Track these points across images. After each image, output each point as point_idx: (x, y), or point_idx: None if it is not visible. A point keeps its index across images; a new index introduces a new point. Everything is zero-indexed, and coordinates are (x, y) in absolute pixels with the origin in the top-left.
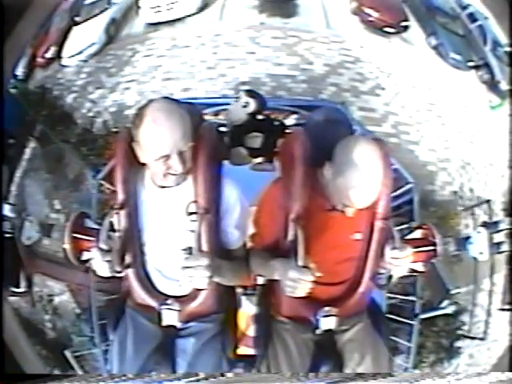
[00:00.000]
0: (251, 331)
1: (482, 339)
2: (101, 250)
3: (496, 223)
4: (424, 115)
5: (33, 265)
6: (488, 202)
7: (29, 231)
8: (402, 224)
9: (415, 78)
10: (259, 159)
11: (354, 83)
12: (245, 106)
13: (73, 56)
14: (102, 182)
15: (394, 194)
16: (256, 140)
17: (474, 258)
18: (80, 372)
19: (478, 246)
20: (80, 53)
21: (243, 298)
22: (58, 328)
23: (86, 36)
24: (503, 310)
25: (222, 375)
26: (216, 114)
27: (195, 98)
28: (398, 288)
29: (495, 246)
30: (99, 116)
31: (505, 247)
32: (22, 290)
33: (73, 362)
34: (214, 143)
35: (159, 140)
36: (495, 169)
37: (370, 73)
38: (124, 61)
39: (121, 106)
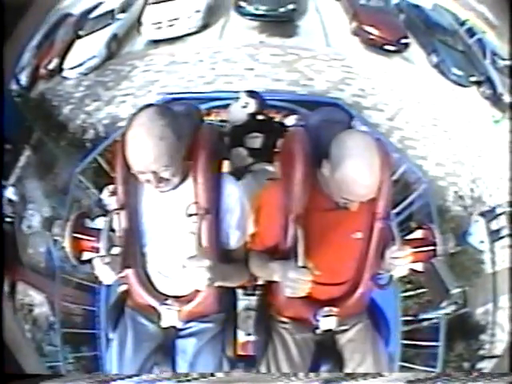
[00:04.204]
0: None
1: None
2: (102, 257)
3: (493, 210)
4: (430, 130)
5: (17, 272)
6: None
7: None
8: (421, 227)
9: (418, 95)
10: (259, 159)
11: (356, 99)
12: (245, 107)
13: (73, 68)
14: (81, 178)
15: (408, 199)
16: (256, 140)
17: (476, 249)
18: None
19: (478, 235)
20: (80, 65)
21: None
22: (37, 339)
23: (88, 49)
24: None
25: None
26: (208, 113)
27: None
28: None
29: (495, 233)
30: (91, 127)
31: (504, 232)
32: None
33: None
34: (214, 143)
35: (134, 157)
36: (504, 182)
37: (372, 89)
38: (122, 75)
39: (114, 118)
